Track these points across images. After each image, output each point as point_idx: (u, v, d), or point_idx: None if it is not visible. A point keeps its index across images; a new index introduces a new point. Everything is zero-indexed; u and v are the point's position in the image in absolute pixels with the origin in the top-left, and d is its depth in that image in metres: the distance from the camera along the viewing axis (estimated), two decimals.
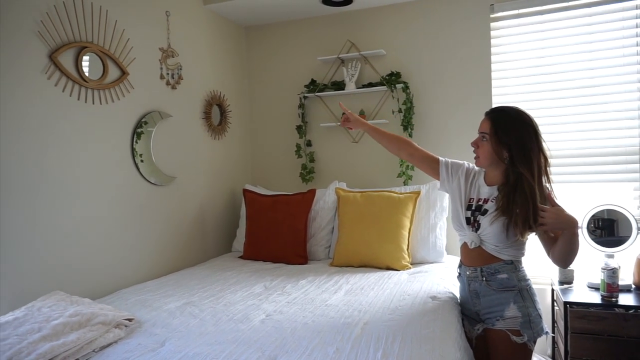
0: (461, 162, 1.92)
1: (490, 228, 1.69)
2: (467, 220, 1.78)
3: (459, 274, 1.91)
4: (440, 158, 1.93)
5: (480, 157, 1.74)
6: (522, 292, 1.70)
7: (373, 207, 2.59)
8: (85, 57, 2.10)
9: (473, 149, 1.77)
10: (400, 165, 2.93)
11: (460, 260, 1.90)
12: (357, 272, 2.41)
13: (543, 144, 1.65)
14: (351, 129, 1.86)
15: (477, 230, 1.74)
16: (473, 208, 1.78)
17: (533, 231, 1.63)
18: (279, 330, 1.61)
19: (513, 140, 1.63)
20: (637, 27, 2.52)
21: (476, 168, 1.87)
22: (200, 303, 1.94)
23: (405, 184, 2.93)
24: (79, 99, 2.08)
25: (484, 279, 1.75)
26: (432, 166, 1.93)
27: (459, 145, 2.86)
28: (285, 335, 1.56)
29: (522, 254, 1.76)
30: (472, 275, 1.79)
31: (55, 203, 1.98)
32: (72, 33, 2.04)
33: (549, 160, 1.66)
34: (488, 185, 1.78)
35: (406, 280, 2.24)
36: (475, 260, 1.78)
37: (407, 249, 2.52)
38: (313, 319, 1.72)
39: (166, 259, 2.61)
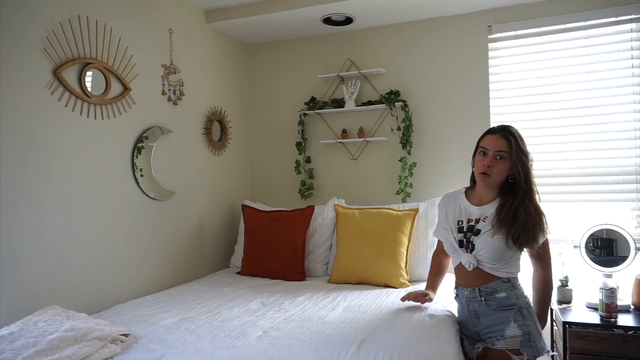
0: (439, 214, 1.96)
1: (486, 248, 1.71)
2: (460, 242, 1.79)
3: (457, 294, 1.91)
4: (438, 239, 2.01)
5: (494, 175, 1.72)
6: (522, 310, 1.71)
7: (371, 224, 2.59)
8: (89, 73, 2.13)
9: (485, 165, 1.71)
10: (399, 182, 2.95)
11: (456, 281, 1.90)
12: (354, 289, 2.40)
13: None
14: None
15: (471, 251, 1.76)
16: (465, 230, 1.79)
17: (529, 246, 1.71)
18: (275, 347, 1.60)
19: (525, 161, 1.70)
20: (632, 49, 2.56)
21: (445, 196, 1.94)
22: (197, 319, 1.93)
23: (403, 201, 2.94)
24: (81, 114, 2.11)
25: (483, 298, 1.75)
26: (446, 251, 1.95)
27: (456, 162, 2.88)
28: (282, 352, 1.55)
29: (519, 270, 1.78)
30: (471, 295, 1.79)
31: (54, 217, 1.98)
32: (77, 49, 2.08)
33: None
34: (476, 206, 1.80)
35: None
36: (472, 281, 1.79)
37: (405, 267, 2.51)
38: (310, 336, 1.71)
39: (163, 274, 2.60)
